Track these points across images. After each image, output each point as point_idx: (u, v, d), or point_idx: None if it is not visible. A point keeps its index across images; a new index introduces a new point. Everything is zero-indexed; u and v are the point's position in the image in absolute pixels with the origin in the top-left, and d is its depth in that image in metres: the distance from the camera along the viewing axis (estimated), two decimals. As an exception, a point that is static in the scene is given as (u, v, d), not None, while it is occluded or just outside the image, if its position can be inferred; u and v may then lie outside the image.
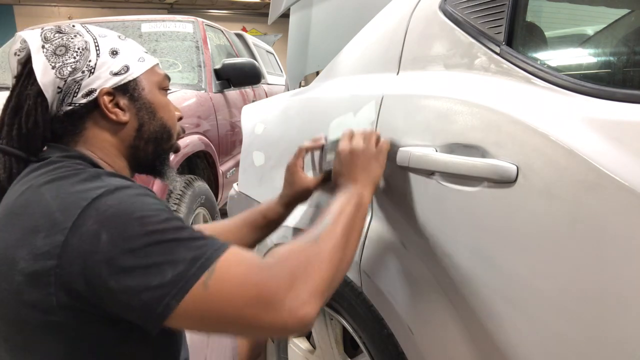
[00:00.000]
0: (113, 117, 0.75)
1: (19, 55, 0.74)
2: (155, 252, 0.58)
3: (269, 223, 0.99)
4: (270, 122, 1.36)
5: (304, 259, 0.63)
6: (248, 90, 3.32)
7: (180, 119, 0.87)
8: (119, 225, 0.59)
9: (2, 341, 0.66)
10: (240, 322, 0.59)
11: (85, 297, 0.59)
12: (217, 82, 2.77)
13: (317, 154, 1.03)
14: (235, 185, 1.61)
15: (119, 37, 0.79)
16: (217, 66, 2.82)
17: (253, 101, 3.29)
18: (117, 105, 0.75)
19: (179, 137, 0.87)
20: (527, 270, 0.61)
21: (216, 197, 2.61)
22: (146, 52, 0.81)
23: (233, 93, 2.98)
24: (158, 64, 0.83)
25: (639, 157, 0.51)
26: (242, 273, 0.59)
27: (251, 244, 1.00)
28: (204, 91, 2.60)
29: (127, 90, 0.76)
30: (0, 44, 3.16)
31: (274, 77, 4.35)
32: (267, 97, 3.60)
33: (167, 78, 0.84)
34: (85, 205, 0.60)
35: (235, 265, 0.60)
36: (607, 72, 0.77)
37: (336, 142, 0.89)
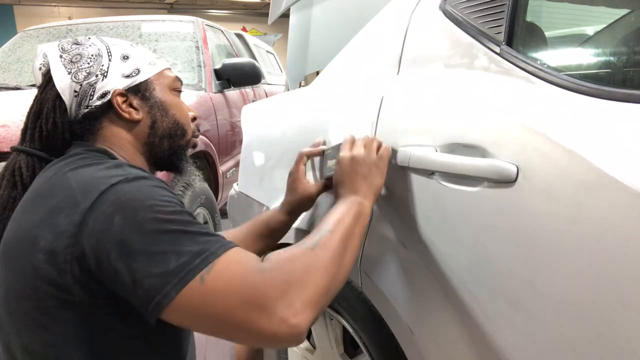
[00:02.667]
0: (126, 115, 0.80)
1: (42, 68, 0.81)
2: (162, 240, 0.60)
3: (273, 232, 0.98)
4: (270, 122, 1.36)
5: (301, 267, 0.62)
6: (248, 90, 3.32)
7: (194, 119, 0.91)
8: (132, 210, 0.62)
9: (13, 320, 0.68)
10: (231, 322, 0.59)
11: (96, 276, 0.62)
12: (217, 82, 2.77)
13: (317, 159, 1.02)
14: (235, 185, 1.61)
15: (131, 44, 0.85)
16: (217, 66, 2.82)
17: (253, 101, 3.29)
18: (130, 105, 0.81)
19: (195, 136, 0.91)
20: (527, 270, 0.61)
21: (216, 197, 2.61)
22: (158, 58, 0.87)
23: (233, 93, 2.98)
24: (170, 68, 0.88)
25: (639, 157, 0.51)
26: (239, 274, 0.60)
27: (257, 254, 0.99)
28: (204, 91, 2.60)
29: (138, 90, 0.82)
30: (0, 44, 3.16)
31: (274, 77, 4.35)
32: (267, 97, 3.61)
33: (179, 80, 0.89)
34: (105, 189, 0.64)
35: (233, 264, 0.61)
36: (607, 72, 0.77)
37: (337, 148, 0.88)
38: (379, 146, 0.84)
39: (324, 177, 0.95)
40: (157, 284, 0.58)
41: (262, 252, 0.99)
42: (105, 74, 0.79)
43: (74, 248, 0.62)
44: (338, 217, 0.73)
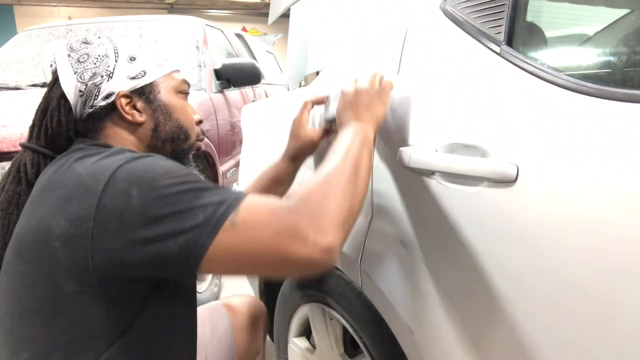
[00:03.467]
0: (129, 117, 0.81)
1: (52, 66, 0.81)
2: (184, 199, 0.63)
3: (281, 182, 1.01)
4: (270, 122, 1.36)
5: (320, 194, 0.66)
6: (248, 90, 3.32)
7: (200, 122, 0.91)
8: (147, 180, 0.64)
9: (24, 313, 0.69)
10: (268, 257, 0.62)
11: (118, 258, 0.63)
12: (217, 82, 2.77)
13: (321, 108, 1.02)
14: (235, 185, 1.61)
15: (140, 46, 0.84)
16: (217, 66, 2.81)
17: (253, 101, 3.29)
18: (134, 107, 0.81)
19: (199, 140, 0.91)
20: (527, 270, 0.61)
21: (216, 197, 2.60)
22: (166, 60, 0.86)
23: (233, 93, 2.98)
24: (178, 70, 0.88)
25: (639, 157, 0.51)
26: (265, 210, 0.64)
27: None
28: (204, 91, 2.60)
29: (143, 93, 0.82)
30: (0, 44, 3.16)
31: (273, 77, 4.35)
32: (267, 97, 3.61)
33: (186, 83, 0.88)
34: (114, 170, 0.65)
35: (258, 205, 0.65)
36: (607, 72, 0.77)
37: (340, 92, 0.88)
38: (381, 79, 0.85)
39: (327, 119, 0.96)
40: (191, 237, 0.61)
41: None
42: (110, 75, 0.79)
43: (95, 230, 0.63)
44: (346, 146, 0.74)
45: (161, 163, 0.68)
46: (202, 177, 0.70)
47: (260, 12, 12.73)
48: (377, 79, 0.85)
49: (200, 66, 2.71)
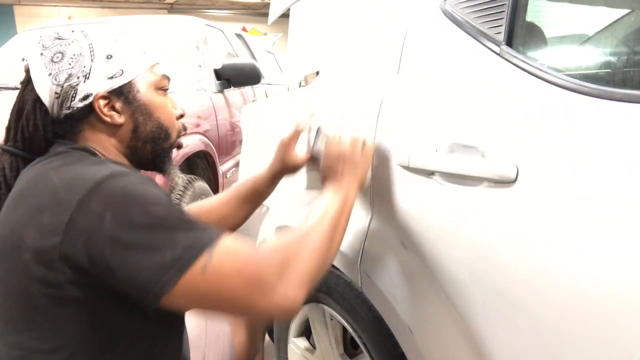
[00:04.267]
0: (108, 120, 0.77)
1: (24, 61, 0.77)
2: (156, 235, 0.63)
3: (258, 195, 1.06)
4: (270, 122, 1.36)
5: (294, 251, 0.69)
6: (248, 90, 3.32)
7: (181, 116, 0.88)
8: (124, 207, 0.63)
9: (6, 317, 0.69)
10: (231, 303, 0.65)
11: (88, 272, 0.63)
12: (217, 82, 2.77)
13: (310, 135, 1.06)
14: (235, 185, 1.61)
15: (117, 39, 0.80)
16: (217, 66, 2.81)
17: (253, 101, 3.29)
18: (113, 107, 0.78)
19: (180, 135, 0.88)
20: (527, 270, 0.61)
21: (216, 197, 2.60)
22: (144, 54, 0.82)
23: (233, 93, 2.98)
24: (157, 63, 0.84)
25: (639, 157, 0.51)
26: (239, 260, 0.65)
27: (241, 219, 1.06)
28: (204, 91, 2.60)
29: (122, 93, 0.78)
30: (0, 44, 3.16)
31: (273, 77, 4.35)
32: (267, 97, 3.60)
33: (166, 78, 0.85)
34: (90, 186, 0.64)
35: (232, 253, 0.65)
36: (607, 72, 0.77)
37: (326, 138, 0.92)
38: (364, 143, 0.87)
39: (311, 152, 1.02)
40: (155, 275, 0.61)
41: (245, 218, 1.07)
42: (87, 76, 0.75)
43: (63, 246, 0.62)
44: (325, 209, 0.78)
45: (142, 189, 0.66)
46: (179, 209, 0.68)
47: (260, 12, 12.73)
48: (359, 142, 0.86)
49: (200, 66, 2.71)
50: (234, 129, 2.86)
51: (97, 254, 0.62)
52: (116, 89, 0.77)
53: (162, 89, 0.84)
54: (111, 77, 0.76)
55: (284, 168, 1.03)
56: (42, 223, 0.63)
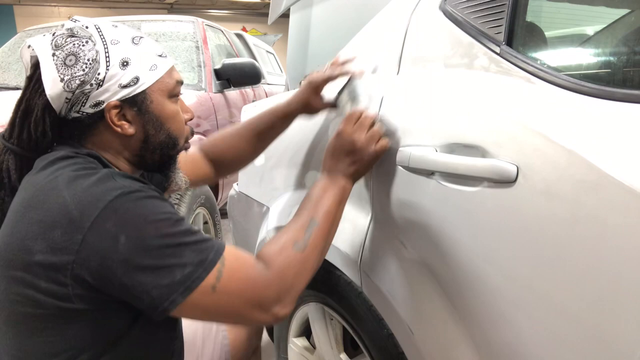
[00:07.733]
0: (119, 130, 0.76)
1: (32, 48, 0.73)
2: (166, 255, 0.66)
3: (273, 128, 1.07)
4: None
5: (294, 273, 0.74)
6: (248, 90, 3.32)
7: (190, 119, 0.87)
8: (136, 228, 0.65)
9: (10, 325, 0.71)
10: (232, 317, 0.73)
11: (97, 289, 0.66)
12: (217, 82, 2.77)
13: (338, 84, 1.05)
14: (235, 185, 1.61)
15: (133, 40, 0.76)
16: (217, 66, 2.82)
17: (253, 101, 3.29)
18: (124, 117, 0.76)
19: (187, 140, 0.88)
20: (527, 270, 0.61)
21: (216, 197, 2.61)
22: (160, 56, 0.79)
23: (233, 93, 2.98)
24: (173, 67, 0.81)
25: (639, 157, 0.51)
26: (242, 280, 0.70)
27: (249, 153, 1.10)
28: (204, 91, 2.60)
29: (135, 102, 0.75)
30: (0, 44, 3.16)
31: (274, 77, 4.35)
32: (267, 97, 3.60)
33: (180, 83, 0.82)
34: (103, 206, 0.65)
35: (238, 270, 0.70)
36: (607, 72, 0.77)
37: (353, 96, 0.94)
38: (380, 139, 0.86)
39: (333, 104, 1.03)
40: (164, 293, 0.65)
41: (252, 154, 1.11)
42: (100, 84, 0.72)
43: (75, 264, 0.64)
44: (327, 207, 0.81)
45: (152, 207, 0.68)
46: (185, 223, 0.70)
47: (260, 12, 12.73)
48: (375, 137, 0.85)
49: (200, 66, 2.71)
50: (234, 129, 2.86)
51: (111, 274, 0.64)
52: (129, 98, 0.74)
53: (175, 96, 0.81)
54: (125, 86, 0.74)
55: (303, 107, 1.03)
56: (54, 239, 0.64)
